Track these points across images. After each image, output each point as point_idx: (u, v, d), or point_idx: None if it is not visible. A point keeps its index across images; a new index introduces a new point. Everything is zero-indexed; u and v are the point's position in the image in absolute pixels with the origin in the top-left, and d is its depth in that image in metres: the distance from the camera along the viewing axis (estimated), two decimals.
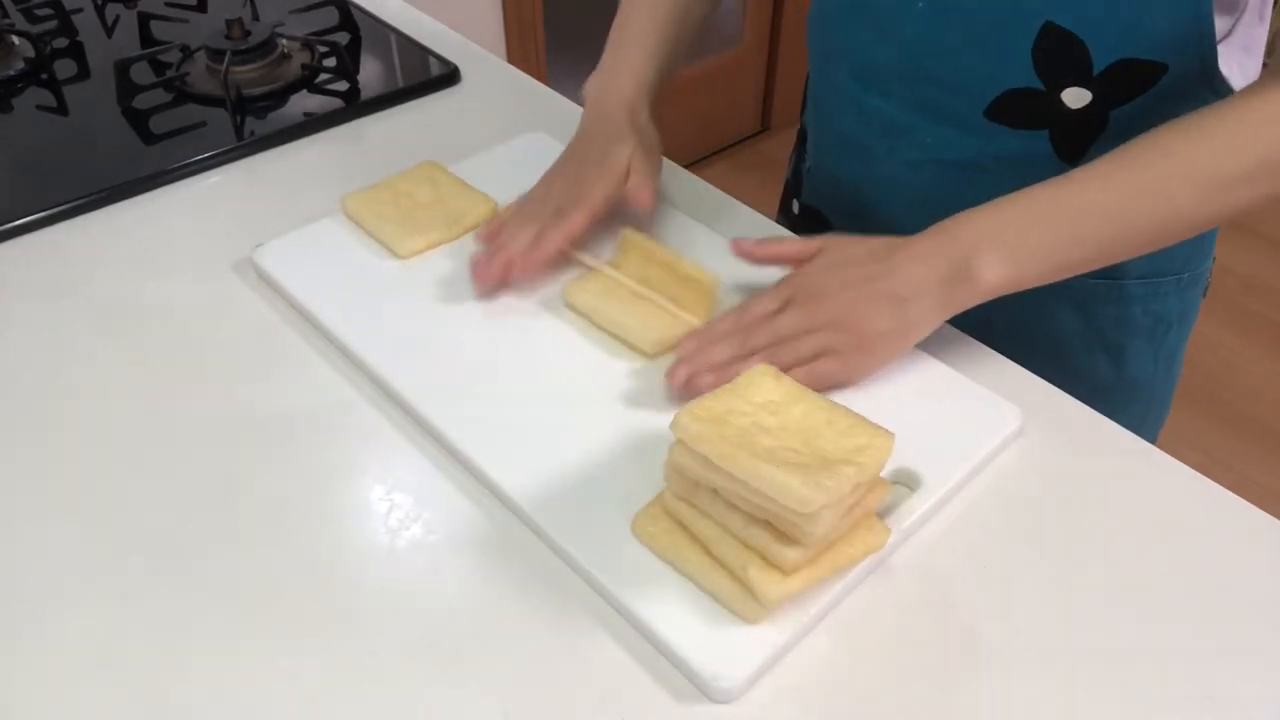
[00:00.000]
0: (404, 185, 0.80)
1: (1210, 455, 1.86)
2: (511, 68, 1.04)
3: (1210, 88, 0.66)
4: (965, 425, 0.62)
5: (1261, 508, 0.60)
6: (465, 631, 0.53)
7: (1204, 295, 0.84)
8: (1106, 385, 0.78)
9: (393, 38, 1.07)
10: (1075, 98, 0.67)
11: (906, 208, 0.75)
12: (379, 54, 1.05)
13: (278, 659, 0.52)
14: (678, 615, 0.52)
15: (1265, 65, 0.62)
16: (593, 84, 0.80)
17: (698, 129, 2.56)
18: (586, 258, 0.74)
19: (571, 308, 0.71)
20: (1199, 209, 0.60)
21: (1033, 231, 0.61)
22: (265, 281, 0.74)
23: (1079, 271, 0.63)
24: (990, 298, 0.62)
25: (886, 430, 0.52)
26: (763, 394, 0.53)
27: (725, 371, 0.61)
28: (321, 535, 0.58)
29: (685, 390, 0.62)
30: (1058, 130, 0.69)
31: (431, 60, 1.02)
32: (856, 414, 0.53)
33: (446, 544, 0.57)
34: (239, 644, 0.52)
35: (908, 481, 0.59)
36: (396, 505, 0.59)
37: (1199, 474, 0.61)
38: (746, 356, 0.62)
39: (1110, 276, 0.77)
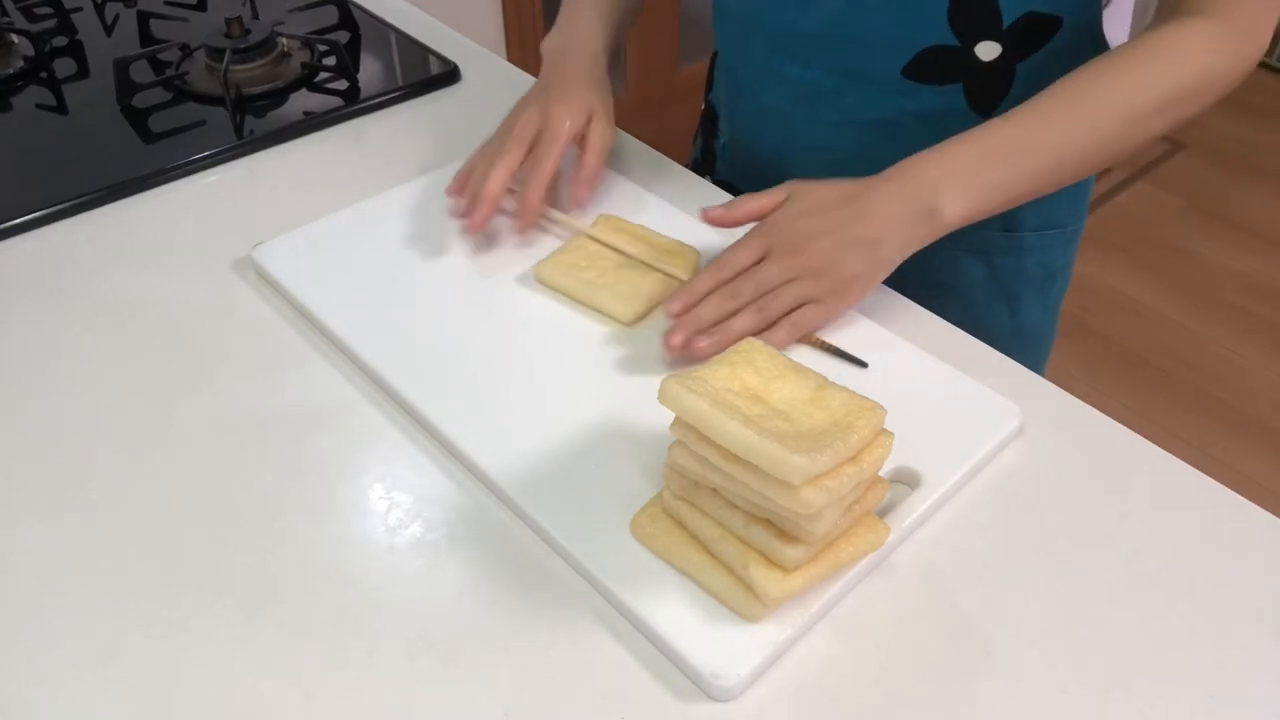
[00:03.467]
0: (593, 244, 0.75)
1: (1210, 455, 1.86)
2: (511, 66, 1.04)
3: (1094, 45, 0.73)
4: (965, 424, 0.62)
5: (1261, 507, 0.59)
6: (464, 629, 0.53)
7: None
8: (1004, 334, 0.81)
9: (392, 36, 1.07)
10: (987, 51, 0.73)
11: (827, 171, 0.80)
12: (379, 52, 1.05)
13: (277, 657, 0.52)
14: (678, 614, 0.52)
15: (1157, 12, 0.69)
16: (552, 41, 0.83)
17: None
18: (562, 217, 0.76)
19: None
20: (1123, 137, 0.66)
21: (985, 169, 0.66)
22: (264, 280, 0.74)
23: (1024, 200, 0.68)
24: (949, 231, 0.66)
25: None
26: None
27: (722, 333, 0.64)
28: (321, 533, 0.58)
29: (685, 354, 0.65)
30: (971, 84, 0.74)
31: (431, 59, 1.02)
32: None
33: (446, 541, 0.57)
34: (238, 643, 0.52)
35: (907, 480, 0.59)
36: (396, 503, 0.59)
37: (1199, 472, 0.61)
38: (735, 312, 0.66)
39: (1009, 229, 0.83)
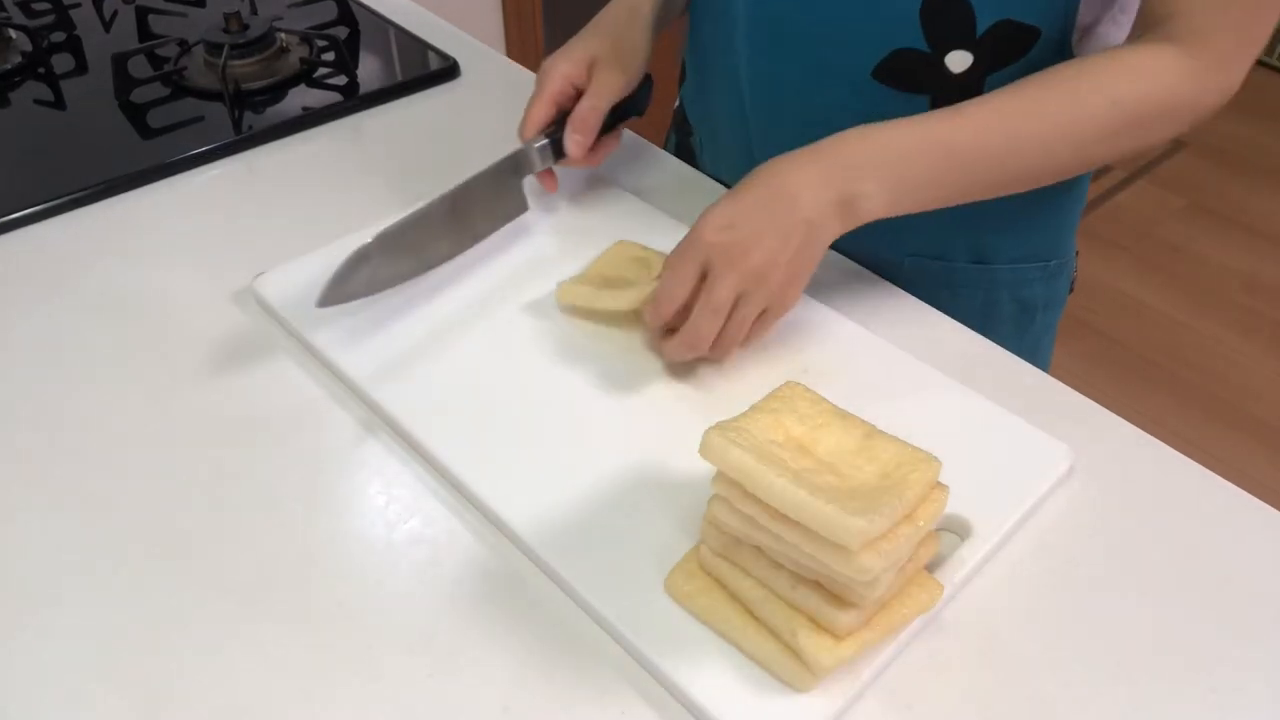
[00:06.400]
0: (610, 270, 0.73)
1: (1210, 454, 1.85)
2: (510, 62, 1.03)
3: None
4: (1013, 466, 0.59)
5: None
6: (463, 630, 0.53)
7: (1071, 288, 0.86)
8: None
9: (391, 32, 1.07)
10: (958, 61, 0.68)
11: None
12: (378, 48, 1.05)
13: (275, 653, 0.51)
14: (718, 681, 0.48)
15: (1131, 30, 0.66)
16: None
17: None
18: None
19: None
20: (1071, 159, 0.64)
21: (915, 165, 0.61)
22: (266, 311, 0.71)
23: (951, 204, 0.64)
24: (865, 223, 0.62)
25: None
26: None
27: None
28: (320, 530, 0.58)
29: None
30: (939, 98, 0.69)
31: (430, 54, 1.02)
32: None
33: (445, 538, 0.57)
34: (237, 639, 0.52)
35: (957, 529, 0.56)
36: (394, 499, 0.59)
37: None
38: (698, 351, 0.63)
39: (980, 260, 0.78)
